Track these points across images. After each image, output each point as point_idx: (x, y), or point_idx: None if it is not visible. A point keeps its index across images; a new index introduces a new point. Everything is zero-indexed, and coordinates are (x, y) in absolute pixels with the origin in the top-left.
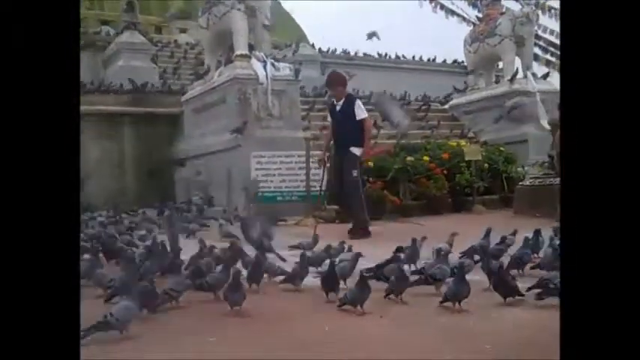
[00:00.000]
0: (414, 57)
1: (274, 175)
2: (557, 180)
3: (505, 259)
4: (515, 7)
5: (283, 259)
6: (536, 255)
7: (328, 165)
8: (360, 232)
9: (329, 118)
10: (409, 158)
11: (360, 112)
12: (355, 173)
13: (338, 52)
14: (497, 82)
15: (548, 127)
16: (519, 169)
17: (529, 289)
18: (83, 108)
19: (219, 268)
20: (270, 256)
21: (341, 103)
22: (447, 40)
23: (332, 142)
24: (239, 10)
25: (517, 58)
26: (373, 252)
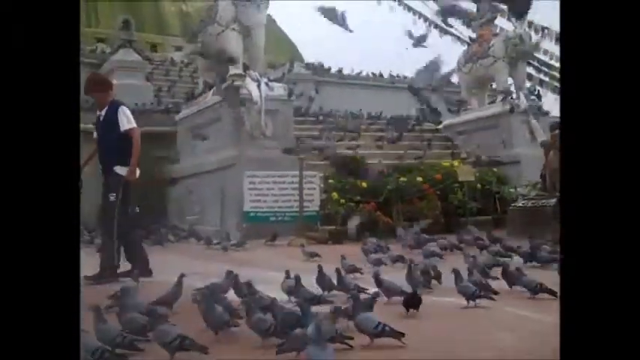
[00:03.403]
0: (404, 76)
1: (267, 195)
2: (551, 201)
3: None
4: (509, 28)
5: None
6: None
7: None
8: (105, 273)
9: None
10: (402, 179)
11: (126, 121)
12: (112, 197)
13: (332, 71)
14: (492, 102)
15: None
16: (512, 190)
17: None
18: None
19: None
20: None
21: (104, 111)
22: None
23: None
24: (234, 30)
25: (510, 79)
26: None
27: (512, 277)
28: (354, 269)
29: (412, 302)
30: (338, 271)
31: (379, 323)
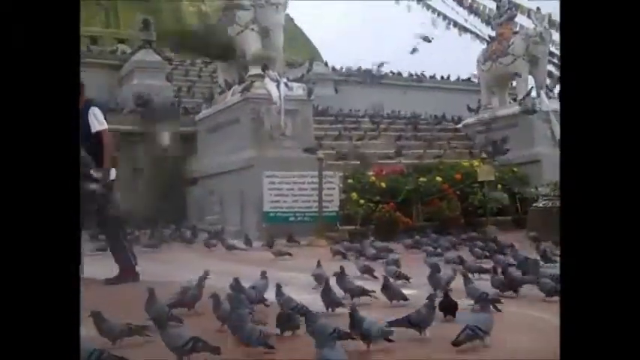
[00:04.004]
0: (423, 74)
1: (287, 195)
2: None
3: None
4: (529, 25)
5: None
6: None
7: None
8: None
9: None
10: (421, 179)
11: (96, 122)
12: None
13: (352, 71)
14: (514, 100)
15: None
16: (533, 189)
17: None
18: None
19: None
20: None
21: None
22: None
23: None
24: (253, 30)
25: (530, 77)
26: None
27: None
28: (368, 269)
29: (448, 308)
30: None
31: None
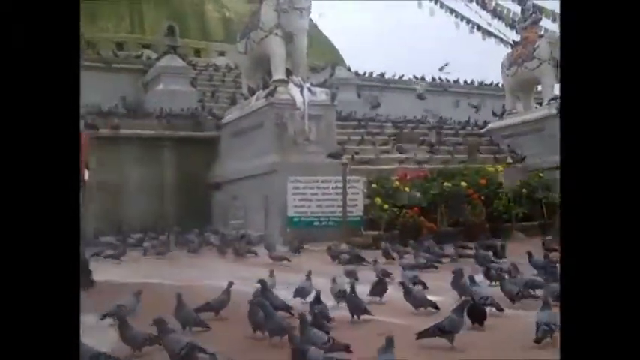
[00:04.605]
0: (447, 79)
1: (311, 200)
2: None
3: None
4: (554, 29)
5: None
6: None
7: None
8: None
9: None
10: (446, 184)
11: None
12: None
13: (374, 75)
14: (539, 105)
15: None
16: (559, 195)
17: None
18: (123, 132)
19: None
20: None
21: None
22: (484, 63)
23: None
24: (277, 35)
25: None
26: None
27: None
28: (386, 273)
29: (477, 316)
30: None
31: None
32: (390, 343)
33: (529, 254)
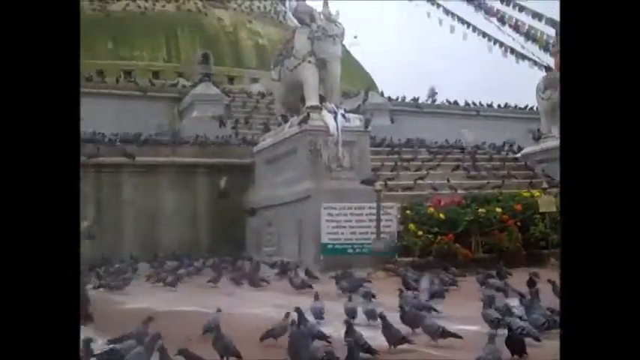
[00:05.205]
0: (480, 103)
1: (344, 226)
2: None
3: None
4: None
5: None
6: None
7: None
8: None
9: None
10: (481, 210)
11: None
12: None
13: (407, 100)
14: None
15: None
16: None
17: None
18: (159, 160)
19: None
20: None
21: None
22: (517, 86)
23: None
24: (310, 62)
25: None
26: None
27: None
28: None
29: (517, 347)
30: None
31: None
32: None
33: (552, 283)
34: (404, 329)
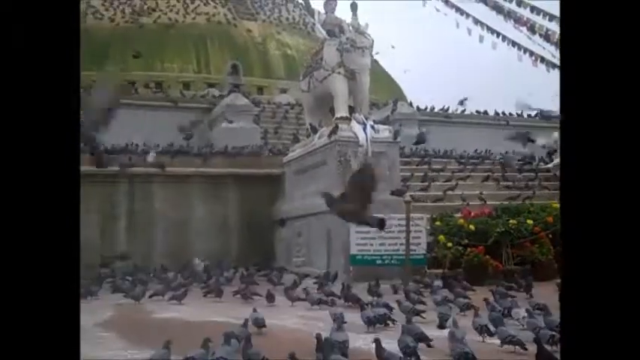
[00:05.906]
0: (510, 113)
1: (374, 238)
2: None
3: None
4: None
5: None
6: None
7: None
8: None
9: None
10: (512, 221)
11: None
12: None
13: (436, 110)
14: None
15: None
16: None
17: None
18: (188, 170)
19: None
20: None
21: None
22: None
23: None
24: (339, 73)
25: None
26: None
27: None
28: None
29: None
30: None
31: None
32: None
33: None
34: None
